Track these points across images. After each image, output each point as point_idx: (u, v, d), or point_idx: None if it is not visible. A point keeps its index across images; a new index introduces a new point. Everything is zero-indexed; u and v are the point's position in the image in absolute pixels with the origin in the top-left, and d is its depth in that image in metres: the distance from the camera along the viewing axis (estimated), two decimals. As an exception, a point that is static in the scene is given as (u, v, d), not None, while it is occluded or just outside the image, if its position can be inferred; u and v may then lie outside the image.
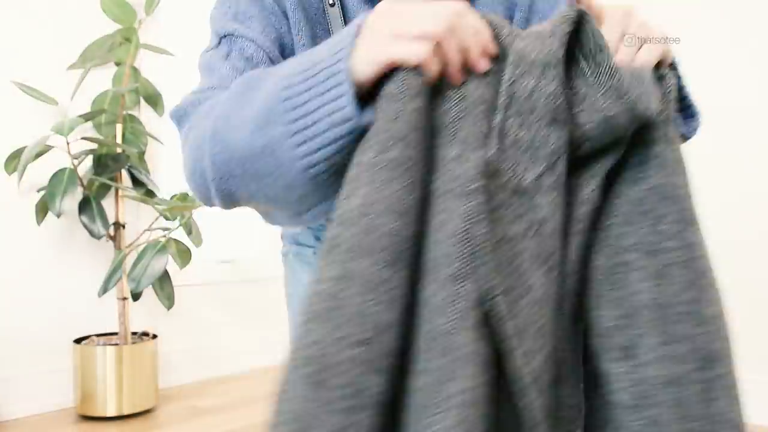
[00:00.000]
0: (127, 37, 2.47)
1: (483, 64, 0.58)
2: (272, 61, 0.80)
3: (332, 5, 0.82)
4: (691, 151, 2.39)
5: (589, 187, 0.62)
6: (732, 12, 2.33)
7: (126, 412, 2.30)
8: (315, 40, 0.82)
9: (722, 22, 2.34)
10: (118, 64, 2.52)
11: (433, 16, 0.54)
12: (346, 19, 0.83)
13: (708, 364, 0.59)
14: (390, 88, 0.54)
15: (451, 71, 0.57)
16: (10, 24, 2.34)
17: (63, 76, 2.45)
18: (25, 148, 2.19)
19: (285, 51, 0.83)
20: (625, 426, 0.60)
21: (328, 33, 0.83)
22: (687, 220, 0.62)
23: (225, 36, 0.80)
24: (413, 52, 0.53)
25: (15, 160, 2.22)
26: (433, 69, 0.55)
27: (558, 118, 0.58)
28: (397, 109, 0.53)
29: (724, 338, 0.61)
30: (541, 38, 0.58)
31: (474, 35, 0.56)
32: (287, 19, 0.81)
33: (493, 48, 0.59)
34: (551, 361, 0.60)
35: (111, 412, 2.27)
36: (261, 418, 2.30)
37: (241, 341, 2.97)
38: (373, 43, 0.54)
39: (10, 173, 2.23)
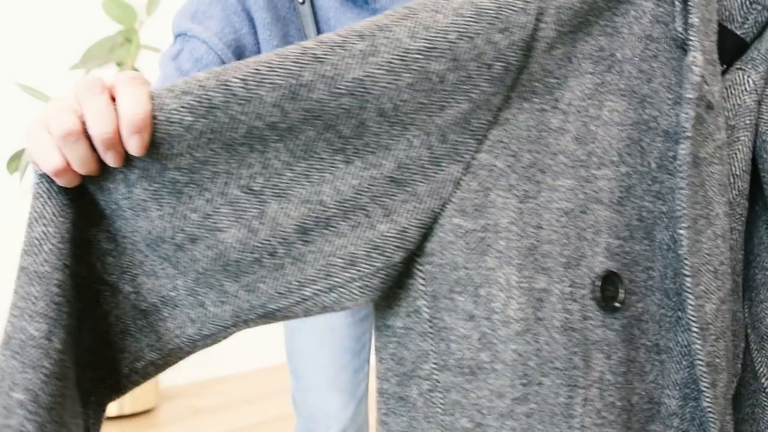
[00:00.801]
0: (128, 37, 2.48)
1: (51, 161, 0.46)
2: (223, 63, 0.76)
3: (302, 3, 0.78)
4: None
5: (756, 73, 0.54)
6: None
7: (126, 411, 2.30)
8: (287, 39, 0.80)
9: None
10: (119, 64, 2.52)
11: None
12: (317, 18, 0.79)
13: None
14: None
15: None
16: (12, 25, 2.34)
17: (65, 77, 2.45)
18: (26, 148, 2.20)
19: (245, 52, 0.80)
20: None
21: (300, 32, 0.80)
22: None
23: (179, 35, 0.79)
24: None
25: (17, 161, 2.23)
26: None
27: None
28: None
29: None
30: None
31: (56, 125, 0.45)
32: (251, 19, 0.78)
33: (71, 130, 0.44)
34: (728, 306, 0.54)
35: (111, 412, 2.28)
36: (261, 418, 2.31)
37: (241, 341, 2.97)
38: None
39: (11, 173, 2.23)
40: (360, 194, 0.50)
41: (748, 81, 0.55)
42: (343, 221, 0.50)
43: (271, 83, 0.46)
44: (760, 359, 0.58)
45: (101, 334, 0.52)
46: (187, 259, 0.50)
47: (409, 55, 0.48)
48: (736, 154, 0.56)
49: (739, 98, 0.55)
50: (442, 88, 0.49)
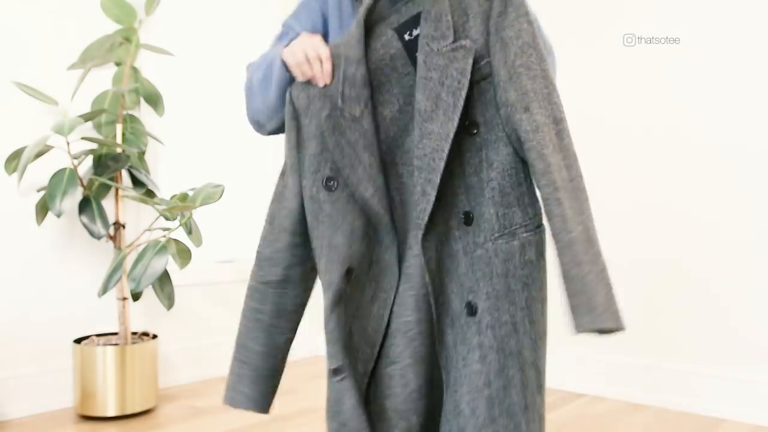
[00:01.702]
0: (127, 37, 2.47)
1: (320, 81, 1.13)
2: None
3: (356, 0, 1.28)
4: (694, 148, 2.36)
5: (460, 52, 1.09)
6: (732, 12, 2.33)
7: (126, 412, 2.30)
8: (342, 23, 1.28)
9: (722, 22, 2.34)
10: (118, 64, 2.52)
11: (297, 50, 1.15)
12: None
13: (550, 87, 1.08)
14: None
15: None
16: (11, 24, 2.34)
17: (63, 76, 2.45)
18: (25, 148, 2.19)
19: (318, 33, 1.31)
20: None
21: (350, 17, 1.28)
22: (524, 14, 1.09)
23: (284, 26, 1.31)
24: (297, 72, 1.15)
25: (15, 160, 2.22)
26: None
27: (366, 84, 1.13)
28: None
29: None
30: (350, 44, 1.13)
31: (312, 60, 1.12)
32: (324, 18, 1.30)
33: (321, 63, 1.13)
34: (387, 191, 1.14)
35: (111, 412, 2.27)
36: (261, 418, 2.31)
37: (241, 341, 2.96)
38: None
39: (10, 173, 2.23)
40: None
41: (455, 59, 1.11)
42: None
43: None
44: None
45: None
46: None
47: None
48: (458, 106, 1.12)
49: (452, 67, 1.12)
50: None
